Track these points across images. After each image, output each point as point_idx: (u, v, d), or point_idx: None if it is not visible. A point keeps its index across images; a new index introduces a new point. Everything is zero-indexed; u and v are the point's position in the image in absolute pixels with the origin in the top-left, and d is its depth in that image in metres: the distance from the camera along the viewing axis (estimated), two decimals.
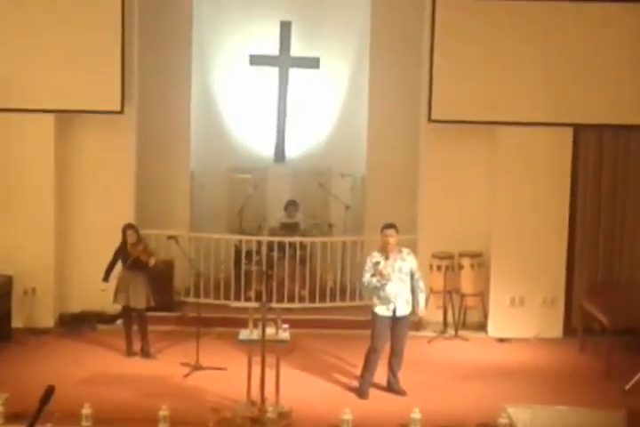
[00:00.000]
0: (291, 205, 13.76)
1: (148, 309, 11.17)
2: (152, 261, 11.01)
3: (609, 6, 12.10)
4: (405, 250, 10.00)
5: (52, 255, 12.31)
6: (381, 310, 9.84)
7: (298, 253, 12.96)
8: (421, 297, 10.03)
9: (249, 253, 13.05)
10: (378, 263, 9.80)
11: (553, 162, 12.36)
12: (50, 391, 5.99)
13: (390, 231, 9.86)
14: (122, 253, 11.07)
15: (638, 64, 12.12)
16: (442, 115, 12.33)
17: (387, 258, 9.83)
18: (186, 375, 10.37)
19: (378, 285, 9.78)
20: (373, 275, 9.79)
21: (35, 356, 11.04)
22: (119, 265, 11.11)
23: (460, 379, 10.55)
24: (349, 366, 10.71)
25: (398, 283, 9.80)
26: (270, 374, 9.20)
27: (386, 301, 9.80)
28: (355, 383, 10.08)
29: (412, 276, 9.93)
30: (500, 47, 12.17)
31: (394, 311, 9.80)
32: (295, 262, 12.97)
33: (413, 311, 10.01)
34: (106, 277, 11.05)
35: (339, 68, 14.63)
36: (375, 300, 9.90)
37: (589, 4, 12.11)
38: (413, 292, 9.95)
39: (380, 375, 10.04)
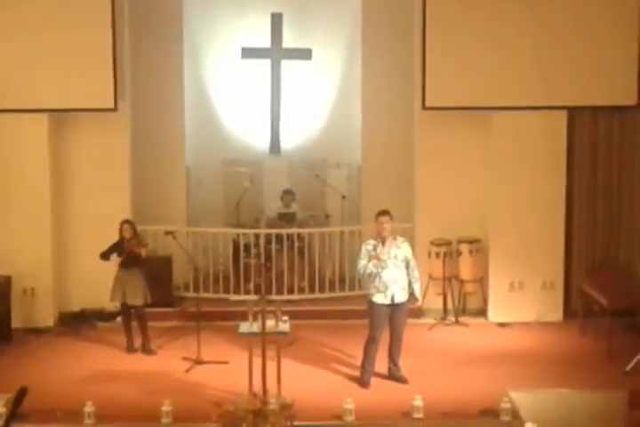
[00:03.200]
0: (286, 194, 13.79)
1: (147, 305, 11.17)
2: (144, 252, 11.04)
3: None
4: (400, 238, 10.05)
5: (49, 255, 12.31)
6: (379, 299, 9.85)
7: (296, 244, 12.98)
8: (416, 286, 10.06)
9: (247, 247, 13.04)
10: (374, 249, 9.83)
11: (548, 145, 12.34)
12: (22, 393, 6.00)
13: (385, 218, 9.89)
14: (118, 247, 11.08)
15: (630, 45, 12.09)
16: (436, 102, 12.31)
17: (383, 244, 9.85)
18: (187, 370, 10.39)
19: (374, 270, 9.81)
20: (369, 261, 9.83)
21: (35, 355, 11.05)
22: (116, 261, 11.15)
23: (462, 365, 10.57)
24: (350, 356, 10.71)
25: (394, 269, 9.84)
26: (271, 367, 9.19)
27: (383, 288, 9.82)
28: (356, 373, 10.10)
29: (407, 265, 9.95)
30: (490, 32, 12.13)
31: (392, 298, 9.82)
32: (293, 254, 12.98)
33: (410, 299, 10.02)
34: (105, 258, 11.06)
35: (331, 58, 14.59)
36: (372, 289, 9.91)
37: None
38: (409, 281, 9.98)
39: (381, 364, 10.05)
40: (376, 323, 9.90)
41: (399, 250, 9.91)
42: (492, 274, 12.45)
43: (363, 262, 9.91)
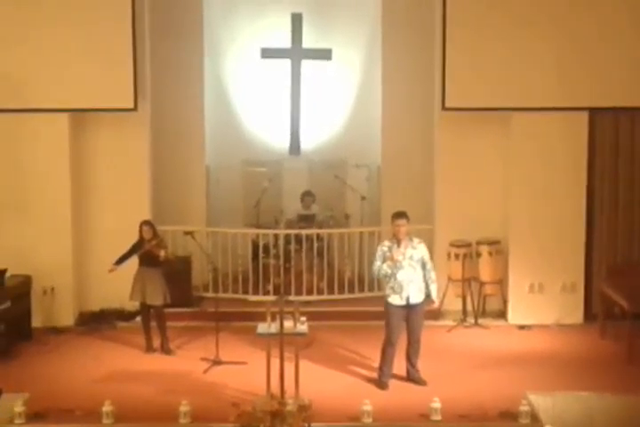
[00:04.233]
0: (307, 196, 13.80)
1: (166, 305, 11.18)
2: (162, 254, 11.03)
3: None
4: (416, 239, 10.02)
5: (69, 254, 12.36)
6: (395, 300, 9.83)
7: (315, 245, 12.93)
8: (433, 287, 10.02)
9: (266, 247, 13.05)
10: (390, 250, 9.82)
11: (569, 146, 12.29)
12: None
13: (401, 221, 9.86)
14: (139, 247, 11.10)
15: None
16: (455, 102, 12.29)
17: (398, 245, 9.83)
18: (205, 371, 10.39)
19: (389, 271, 9.80)
20: (384, 262, 9.81)
21: (55, 355, 11.08)
22: (135, 261, 11.15)
23: (481, 367, 10.53)
24: (368, 357, 10.68)
25: (409, 270, 9.81)
26: (289, 368, 9.19)
27: (399, 289, 9.79)
28: (374, 375, 10.07)
29: (423, 266, 9.93)
30: (511, 32, 12.09)
31: (407, 299, 9.79)
32: (313, 255, 12.92)
33: (427, 301, 10.00)
34: (117, 262, 11.09)
35: (351, 58, 14.59)
36: (388, 290, 9.90)
37: None
38: (425, 282, 9.95)
39: (400, 365, 10.02)
40: (392, 324, 9.87)
41: (415, 251, 9.89)
42: (512, 276, 12.39)
43: (378, 263, 9.91)
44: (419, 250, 9.93)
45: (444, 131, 12.65)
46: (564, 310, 12.28)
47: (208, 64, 14.02)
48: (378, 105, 13.98)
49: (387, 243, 9.99)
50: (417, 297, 9.86)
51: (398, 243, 9.86)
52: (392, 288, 9.85)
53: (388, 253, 9.84)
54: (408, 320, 9.89)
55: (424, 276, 9.93)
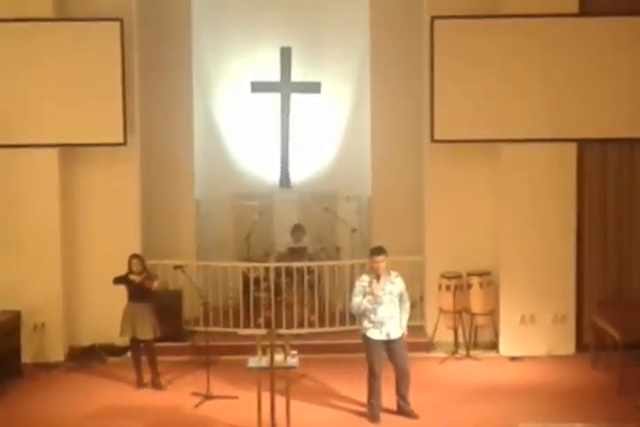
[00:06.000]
0: (297, 230, 13.78)
1: (157, 339, 11.14)
2: (155, 284, 11.02)
3: (607, 20, 12.10)
4: (393, 273, 9.96)
5: (59, 289, 12.30)
6: (374, 334, 9.77)
7: (306, 278, 12.92)
8: (404, 317, 9.96)
9: (257, 280, 13.03)
10: (369, 285, 9.76)
11: (558, 178, 12.31)
12: None
13: (380, 257, 9.80)
14: (125, 280, 11.07)
15: (639, 76, 12.09)
16: (444, 134, 12.32)
17: (377, 280, 9.79)
18: (197, 405, 10.33)
19: (369, 307, 9.74)
20: (364, 297, 9.76)
21: (45, 391, 11.02)
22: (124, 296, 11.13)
23: (473, 399, 10.48)
24: (360, 390, 10.58)
25: (390, 305, 9.77)
26: (281, 401, 9.16)
27: (379, 324, 9.74)
28: (365, 409, 10.00)
29: (400, 298, 9.90)
30: (499, 65, 12.16)
31: (388, 335, 9.75)
32: (304, 288, 12.92)
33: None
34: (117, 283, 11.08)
35: (340, 91, 14.67)
36: (366, 324, 9.82)
37: (587, 19, 12.13)
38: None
39: (391, 399, 9.97)
40: (374, 357, 9.80)
41: (393, 285, 9.85)
42: (503, 307, 12.35)
43: (357, 300, 9.82)
44: (397, 284, 9.89)
45: (434, 163, 12.68)
46: (556, 342, 12.25)
47: (198, 98, 14.06)
48: (367, 137, 14.03)
49: (365, 278, 9.92)
50: (397, 332, 9.82)
51: (377, 278, 9.80)
52: (372, 323, 9.78)
53: (368, 289, 9.77)
54: (392, 356, 9.82)
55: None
